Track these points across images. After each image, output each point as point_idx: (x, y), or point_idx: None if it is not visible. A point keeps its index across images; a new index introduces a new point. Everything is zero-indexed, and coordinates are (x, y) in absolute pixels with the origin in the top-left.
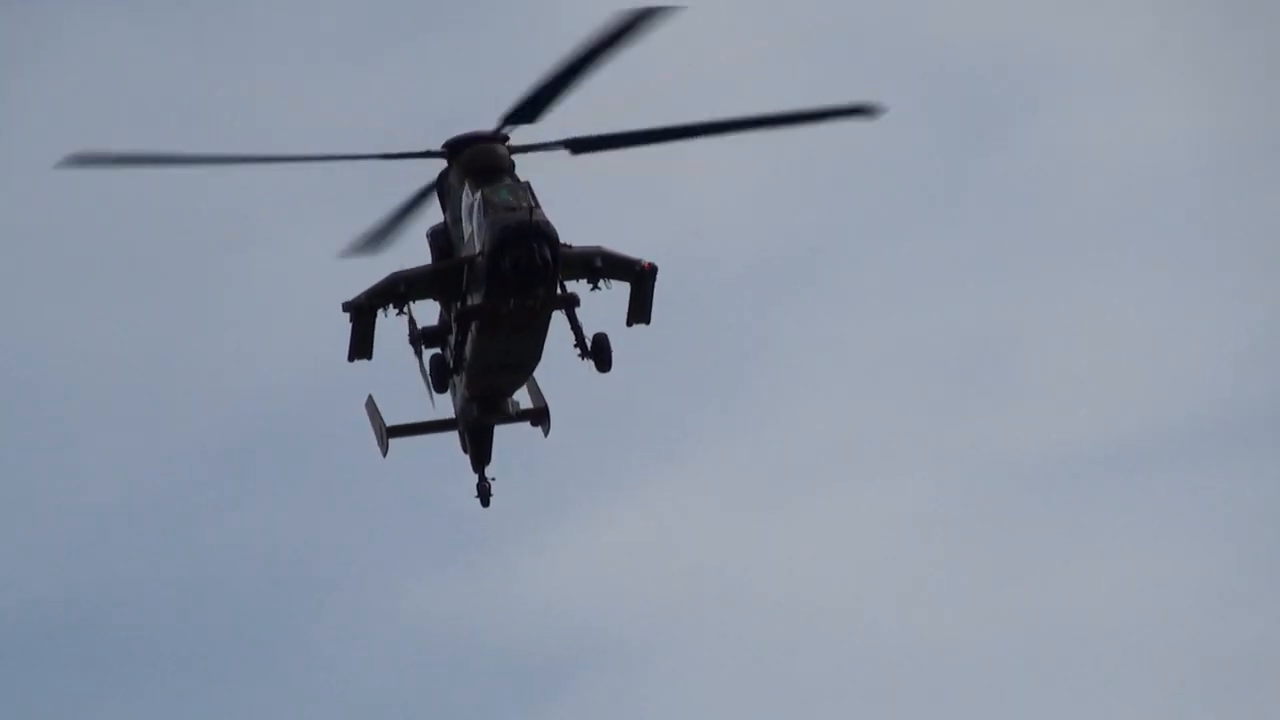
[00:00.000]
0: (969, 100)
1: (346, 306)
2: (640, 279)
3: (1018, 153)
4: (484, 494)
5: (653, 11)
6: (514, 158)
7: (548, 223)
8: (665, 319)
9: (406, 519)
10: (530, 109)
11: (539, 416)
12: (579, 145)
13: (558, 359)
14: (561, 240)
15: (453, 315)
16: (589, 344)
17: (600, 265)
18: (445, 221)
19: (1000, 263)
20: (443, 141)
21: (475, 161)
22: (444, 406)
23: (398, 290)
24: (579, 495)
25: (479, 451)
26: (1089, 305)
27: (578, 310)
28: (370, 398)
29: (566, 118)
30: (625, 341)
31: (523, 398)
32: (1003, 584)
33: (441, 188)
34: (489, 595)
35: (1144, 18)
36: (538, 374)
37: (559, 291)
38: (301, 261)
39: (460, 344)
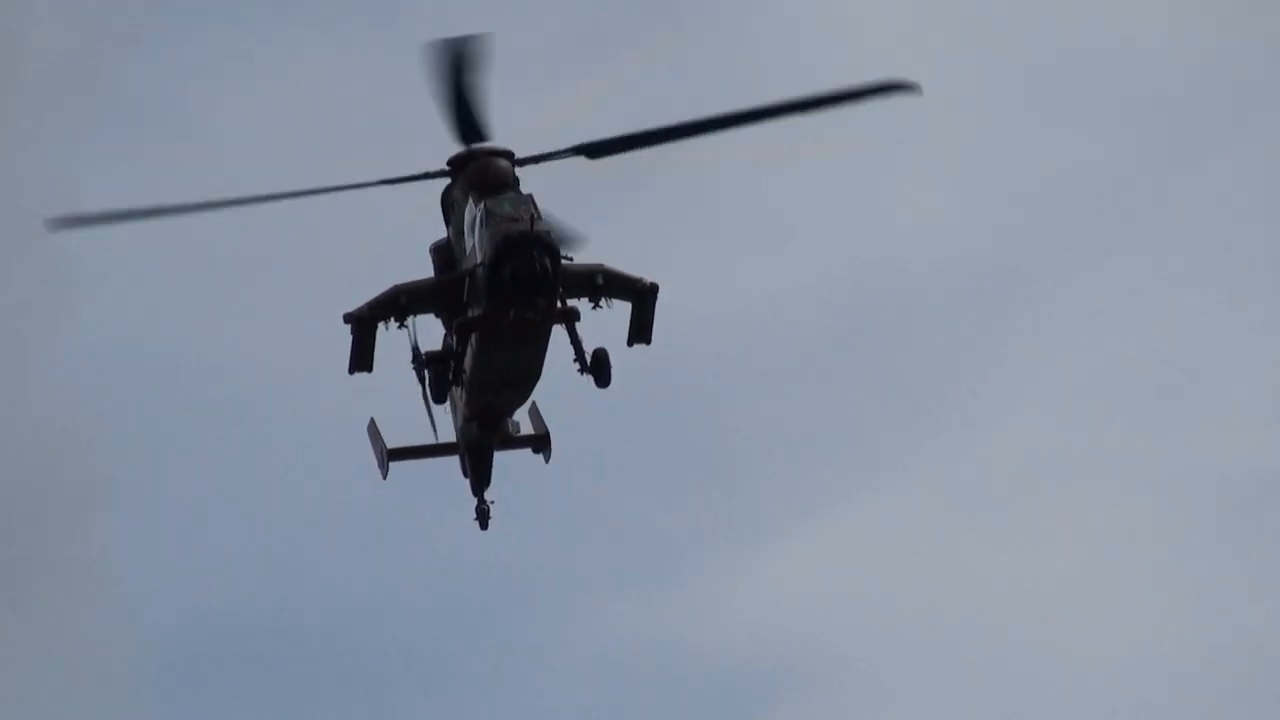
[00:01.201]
0: (1174, 119)
1: (347, 318)
2: (641, 298)
3: (1222, 172)
4: (483, 517)
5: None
6: (525, 169)
7: (549, 233)
8: (866, 333)
9: (609, 537)
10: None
11: (540, 443)
12: (595, 150)
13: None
14: (563, 254)
15: (453, 328)
16: (589, 359)
17: (602, 283)
18: (448, 236)
19: (1207, 279)
20: (446, 159)
21: (479, 175)
22: (446, 432)
23: (399, 302)
24: (783, 512)
25: (479, 474)
26: None
27: (578, 325)
28: (372, 420)
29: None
30: (837, 356)
31: (525, 425)
32: (1208, 602)
33: (445, 203)
34: (695, 614)
35: None
36: (545, 400)
37: (560, 305)
38: None
39: (460, 356)
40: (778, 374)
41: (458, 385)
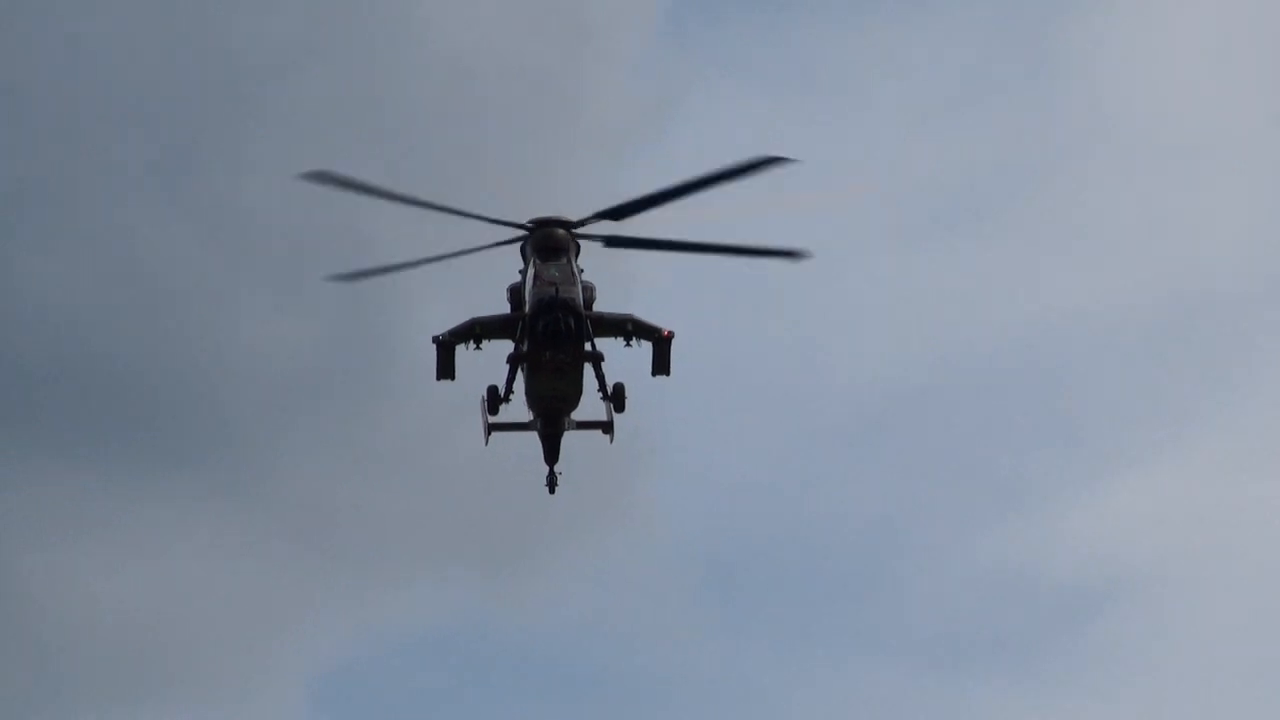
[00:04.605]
0: None
1: (435, 339)
2: (659, 343)
3: None
4: (551, 484)
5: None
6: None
7: (574, 299)
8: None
9: (974, 477)
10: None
11: (606, 427)
12: (617, 213)
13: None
14: (598, 309)
15: (507, 357)
16: (610, 390)
17: (631, 329)
18: (520, 280)
19: None
20: (528, 219)
21: (541, 241)
22: None
23: (474, 331)
24: (1114, 455)
25: (548, 451)
26: None
27: (603, 364)
28: (485, 393)
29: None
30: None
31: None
32: None
33: (522, 253)
34: (1038, 539)
35: None
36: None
37: (589, 349)
38: None
39: (510, 379)
40: (1117, 357)
41: (507, 400)
